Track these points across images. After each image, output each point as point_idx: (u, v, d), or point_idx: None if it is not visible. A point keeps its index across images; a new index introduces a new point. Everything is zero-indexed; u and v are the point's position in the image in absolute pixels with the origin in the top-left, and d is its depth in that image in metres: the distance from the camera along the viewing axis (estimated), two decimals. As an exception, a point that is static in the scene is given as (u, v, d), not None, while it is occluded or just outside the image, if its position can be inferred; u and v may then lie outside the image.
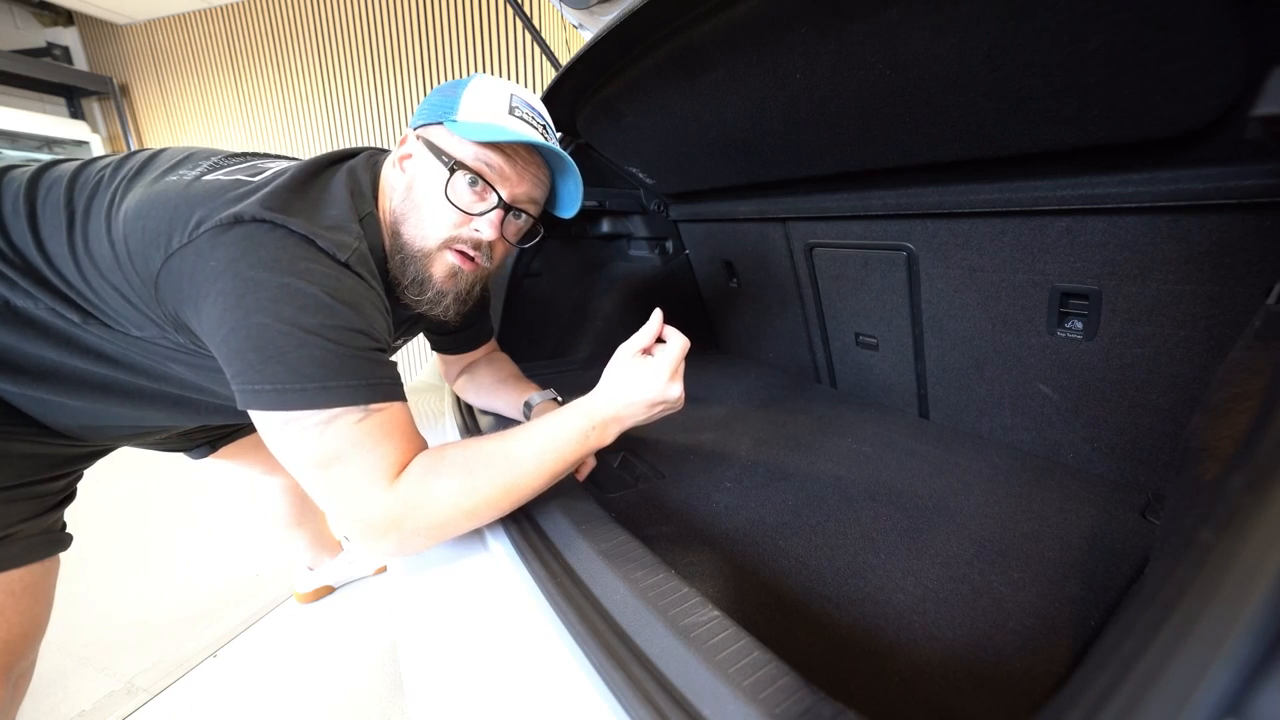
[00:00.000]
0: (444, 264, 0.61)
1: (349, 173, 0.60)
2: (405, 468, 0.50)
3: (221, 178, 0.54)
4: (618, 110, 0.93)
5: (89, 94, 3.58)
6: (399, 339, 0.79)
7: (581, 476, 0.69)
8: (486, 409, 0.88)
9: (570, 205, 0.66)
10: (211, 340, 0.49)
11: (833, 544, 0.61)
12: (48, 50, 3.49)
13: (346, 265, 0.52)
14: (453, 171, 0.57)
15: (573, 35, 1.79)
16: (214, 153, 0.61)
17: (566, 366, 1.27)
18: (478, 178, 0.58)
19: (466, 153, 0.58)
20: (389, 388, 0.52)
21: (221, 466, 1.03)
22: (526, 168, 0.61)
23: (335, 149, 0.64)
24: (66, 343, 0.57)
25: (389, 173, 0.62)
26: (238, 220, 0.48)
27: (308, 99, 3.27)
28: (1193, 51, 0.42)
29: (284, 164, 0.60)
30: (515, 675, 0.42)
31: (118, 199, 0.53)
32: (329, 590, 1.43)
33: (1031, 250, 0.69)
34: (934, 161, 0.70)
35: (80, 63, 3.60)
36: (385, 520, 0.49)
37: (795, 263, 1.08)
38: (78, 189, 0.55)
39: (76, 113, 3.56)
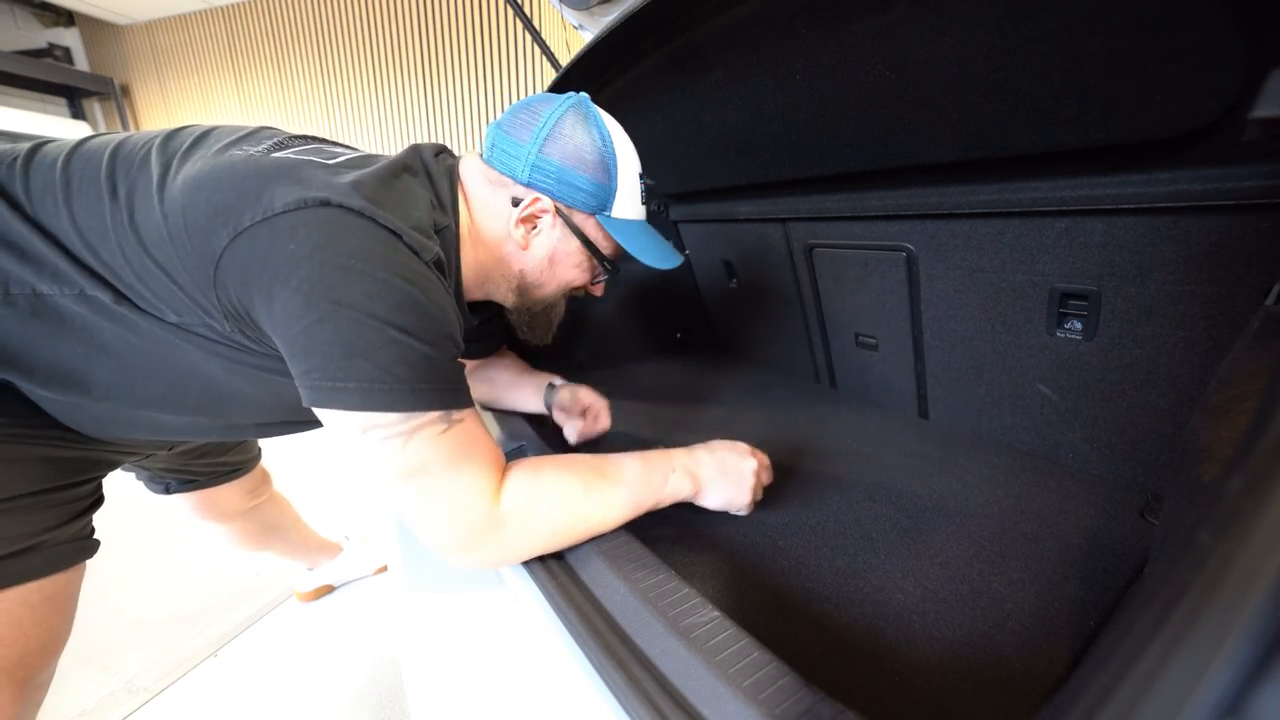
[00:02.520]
0: (561, 309, 0.73)
1: (428, 180, 0.58)
2: (501, 481, 0.50)
3: (294, 156, 0.50)
4: (618, 110, 0.93)
5: (90, 94, 3.58)
6: None
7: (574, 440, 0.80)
8: (502, 405, 0.90)
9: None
10: (285, 331, 0.44)
11: (832, 544, 0.61)
12: (49, 51, 3.50)
13: (429, 267, 0.50)
14: (607, 269, 0.66)
15: (573, 35, 1.79)
16: (276, 131, 0.57)
17: (565, 368, 1.27)
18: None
19: (612, 251, 0.65)
20: (467, 394, 0.51)
21: (176, 504, 1.01)
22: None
23: (405, 147, 0.61)
24: (91, 336, 0.51)
25: (509, 226, 0.60)
26: (324, 204, 0.45)
27: (308, 99, 3.27)
28: (1192, 53, 0.42)
29: (350, 152, 0.58)
30: (515, 675, 0.42)
31: (172, 171, 0.49)
32: (329, 589, 1.43)
33: (1031, 251, 0.69)
34: (934, 162, 0.70)
35: (81, 63, 3.61)
36: (484, 534, 0.48)
37: (795, 263, 1.08)
38: (119, 162, 0.50)
39: (78, 113, 3.56)
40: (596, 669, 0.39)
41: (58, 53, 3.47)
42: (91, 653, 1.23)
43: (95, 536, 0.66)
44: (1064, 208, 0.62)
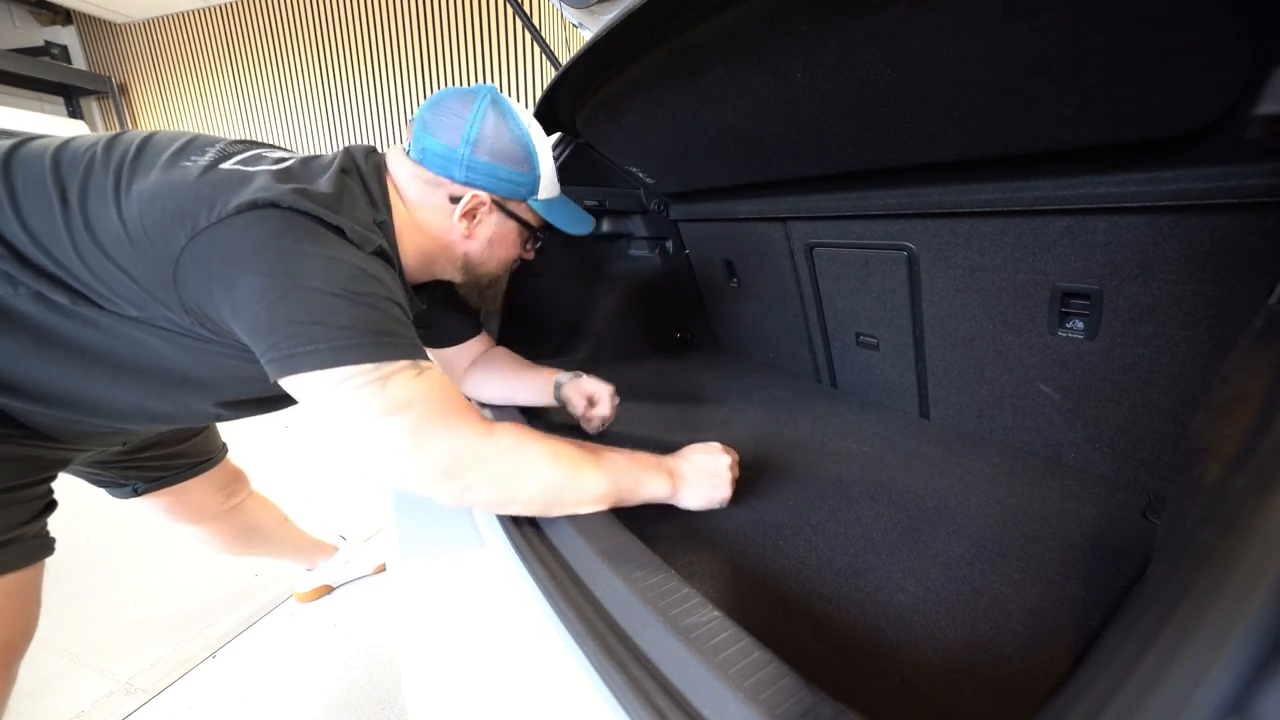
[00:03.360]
0: (505, 278, 0.84)
1: (361, 180, 0.63)
2: (489, 428, 0.53)
3: (239, 167, 0.55)
4: (618, 110, 0.93)
5: (88, 93, 3.57)
6: None
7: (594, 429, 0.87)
8: (506, 402, 0.90)
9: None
10: (248, 313, 0.48)
11: (833, 544, 0.61)
12: (46, 49, 3.49)
13: (373, 257, 0.55)
14: (537, 238, 0.77)
15: (573, 35, 1.79)
16: (214, 139, 0.60)
17: (566, 367, 1.27)
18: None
19: (538, 220, 0.75)
20: (425, 352, 0.54)
21: (146, 508, 1.00)
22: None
23: (339, 150, 0.67)
24: (47, 335, 0.54)
25: (452, 221, 0.68)
26: (273, 204, 0.49)
27: (307, 99, 3.27)
28: (1194, 51, 0.42)
29: (289, 155, 0.62)
30: (515, 675, 0.42)
31: (124, 180, 0.53)
32: (328, 590, 1.43)
33: (1032, 250, 0.69)
34: (935, 161, 0.70)
35: (79, 62, 3.60)
36: (472, 463, 0.50)
37: (796, 262, 1.08)
38: (65, 167, 0.53)
39: (75, 112, 3.56)
40: (596, 669, 0.38)
41: (55, 51, 3.47)
42: (89, 654, 1.23)
43: (50, 535, 0.70)
44: (1065, 206, 0.62)
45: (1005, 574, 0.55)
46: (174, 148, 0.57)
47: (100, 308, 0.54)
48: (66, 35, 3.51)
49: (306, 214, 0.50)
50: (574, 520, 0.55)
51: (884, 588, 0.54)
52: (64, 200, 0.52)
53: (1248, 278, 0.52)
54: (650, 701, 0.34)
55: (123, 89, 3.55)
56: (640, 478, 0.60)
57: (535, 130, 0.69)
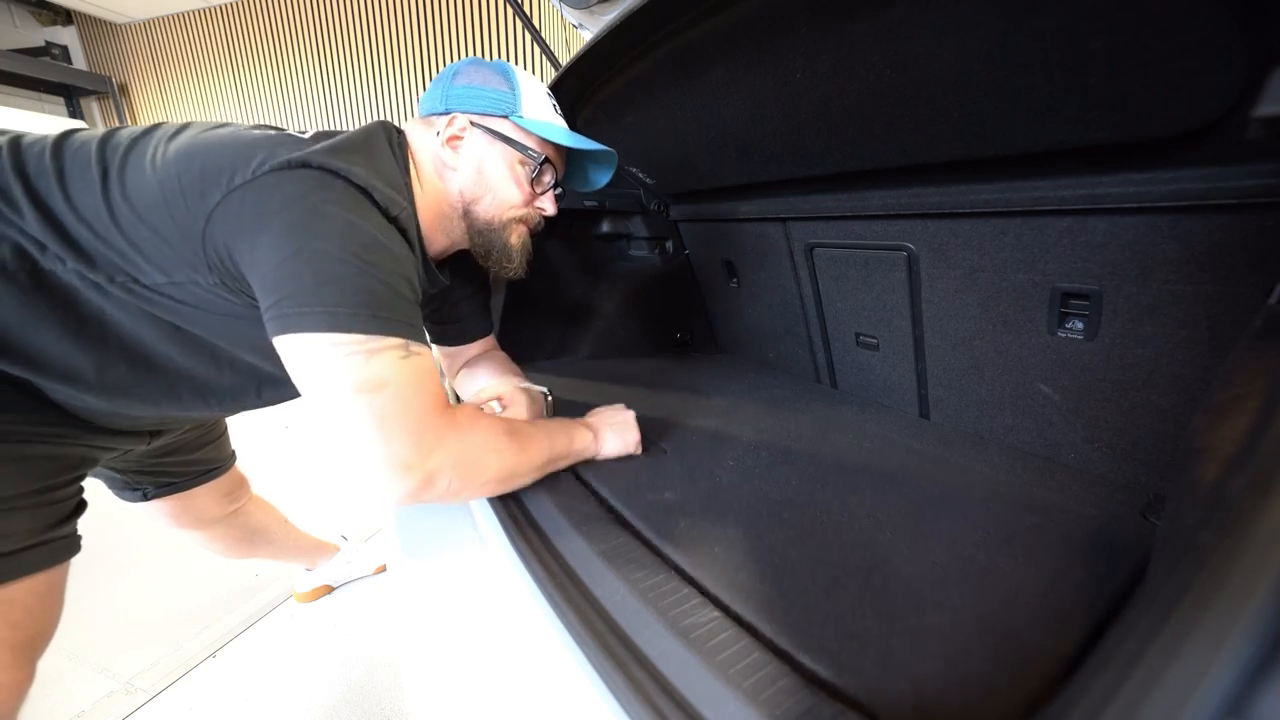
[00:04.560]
0: (518, 234, 0.73)
1: (389, 146, 0.64)
2: (450, 414, 0.54)
3: (270, 133, 0.57)
4: (618, 110, 0.93)
5: (88, 93, 3.57)
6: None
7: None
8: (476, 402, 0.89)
9: (603, 178, 0.83)
10: (263, 268, 0.49)
11: (833, 546, 0.61)
12: (46, 49, 3.49)
13: (396, 221, 0.57)
14: (540, 164, 0.70)
15: (573, 35, 1.79)
16: (240, 124, 0.64)
17: (567, 366, 1.27)
18: (552, 167, 0.72)
19: (537, 145, 0.70)
20: (423, 335, 0.56)
21: (152, 513, 1.00)
22: (563, 156, 0.76)
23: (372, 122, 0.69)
24: (87, 311, 0.56)
25: (438, 151, 0.68)
26: (305, 164, 0.51)
27: (307, 98, 3.27)
28: (1194, 51, 0.42)
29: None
30: (515, 675, 0.42)
31: (161, 147, 0.55)
32: (328, 590, 1.43)
33: (1032, 250, 0.69)
34: (934, 161, 0.70)
35: (79, 62, 3.60)
36: (434, 443, 0.51)
37: (795, 263, 1.08)
38: (109, 149, 0.56)
39: (75, 112, 3.56)
40: (596, 669, 0.38)
41: (55, 51, 3.47)
42: (90, 653, 1.23)
43: (79, 534, 0.71)
44: (1065, 207, 0.62)
45: (1004, 576, 0.55)
46: (211, 125, 0.60)
47: (131, 291, 0.55)
48: (67, 35, 3.51)
49: (336, 173, 0.52)
50: (574, 520, 0.55)
51: (884, 589, 0.54)
52: (105, 177, 0.54)
53: (1247, 278, 0.52)
54: (650, 702, 0.34)
55: (123, 89, 3.55)
56: (571, 437, 0.67)
57: (520, 70, 0.71)
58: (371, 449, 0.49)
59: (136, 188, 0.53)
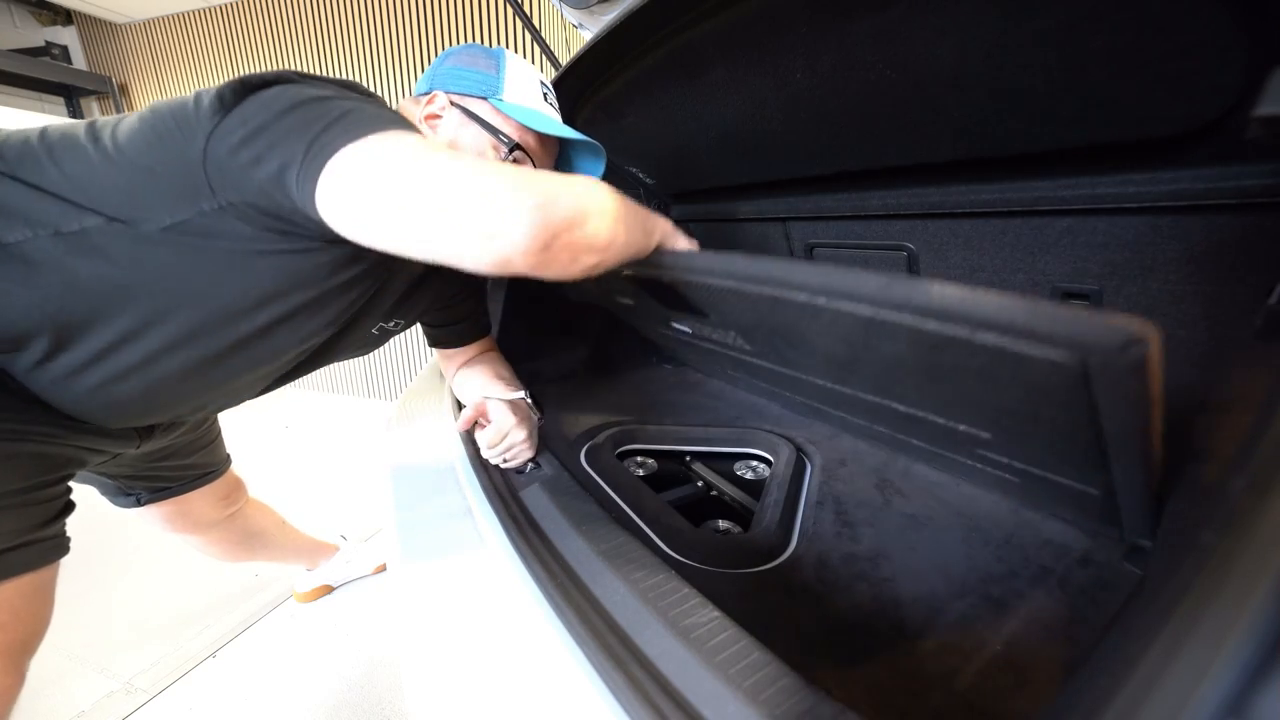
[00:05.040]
0: None
1: (384, 109, 0.65)
2: None
3: None
4: (618, 110, 0.93)
5: (88, 93, 3.57)
6: (396, 319, 0.82)
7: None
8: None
9: (593, 175, 0.77)
10: (278, 155, 0.47)
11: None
12: (46, 49, 3.48)
13: None
14: (511, 150, 0.66)
15: (573, 35, 1.79)
16: None
17: (567, 367, 1.27)
18: (528, 159, 0.69)
19: (513, 131, 0.67)
20: None
21: (147, 518, 1.00)
22: (550, 151, 0.73)
23: None
24: (64, 274, 0.53)
25: (418, 127, 0.64)
26: (299, 79, 0.52)
27: (307, 98, 3.27)
28: (1194, 51, 0.42)
29: None
30: (515, 675, 0.42)
31: (151, 106, 0.56)
32: (328, 590, 1.43)
33: (1032, 250, 0.69)
34: (935, 161, 0.70)
35: (79, 62, 3.59)
36: (530, 177, 0.47)
37: (795, 263, 1.08)
38: (96, 125, 0.56)
39: (75, 112, 3.55)
40: (596, 669, 0.38)
41: (55, 51, 3.46)
42: (90, 653, 1.23)
43: (68, 535, 0.70)
44: (1065, 207, 0.62)
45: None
46: None
47: (131, 229, 0.53)
48: (67, 35, 3.51)
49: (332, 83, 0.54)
50: (574, 520, 0.55)
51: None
52: (96, 141, 0.53)
53: (1247, 278, 0.52)
54: (650, 702, 0.34)
55: (123, 89, 3.55)
56: (637, 214, 0.56)
57: (512, 55, 0.70)
58: (486, 200, 0.44)
59: (127, 136, 0.53)
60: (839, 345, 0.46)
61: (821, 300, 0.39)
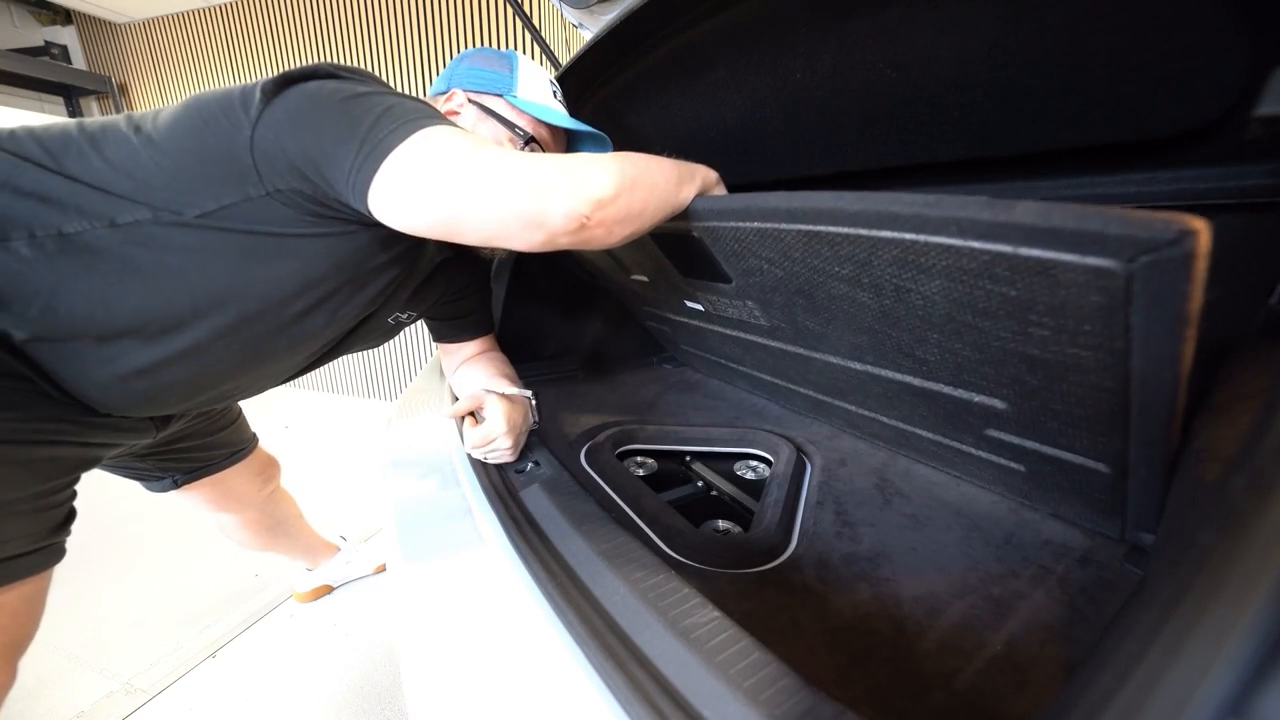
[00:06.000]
0: None
1: None
2: None
3: None
4: (618, 110, 0.93)
5: (87, 93, 3.57)
6: (409, 310, 0.83)
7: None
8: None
9: None
10: (329, 137, 0.50)
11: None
12: (46, 49, 3.48)
13: None
14: (526, 142, 0.72)
15: (573, 35, 1.79)
16: None
17: (567, 367, 1.27)
18: (540, 149, 0.73)
19: (528, 125, 0.72)
20: None
21: (184, 501, 1.02)
22: (560, 143, 0.78)
23: None
24: (122, 263, 0.54)
25: None
26: (336, 73, 0.55)
27: (307, 98, 3.27)
28: (1194, 51, 0.42)
29: None
30: (515, 675, 0.42)
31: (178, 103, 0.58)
32: (328, 590, 1.43)
33: (1032, 250, 0.68)
34: (935, 161, 0.70)
35: (79, 62, 3.59)
36: (574, 160, 0.51)
37: (795, 262, 1.08)
38: (135, 116, 0.57)
39: (75, 112, 3.55)
40: (596, 669, 0.38)
41: (55, 51, 3.46)
42: (89, 654, 1.23)
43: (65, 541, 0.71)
44: (1065, 207, 0.62)
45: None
46: None
47: (178, 219, 0.54)
48: (66, 35, 3.51)
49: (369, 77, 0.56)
50: (574, 520, 0.55)
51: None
52: (137, 131, 0.55)
53: (1247, 278, 0.52)
54: (650, 702, 0.34)
55: (123, 89, 3.55)
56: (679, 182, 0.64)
57: (524, 58, 0.75)
58: (535, 186, 0.48)
59: (171, 124, 0.55)
60: (866, 294, 0.47)
61: (862, 229, 0.40)
